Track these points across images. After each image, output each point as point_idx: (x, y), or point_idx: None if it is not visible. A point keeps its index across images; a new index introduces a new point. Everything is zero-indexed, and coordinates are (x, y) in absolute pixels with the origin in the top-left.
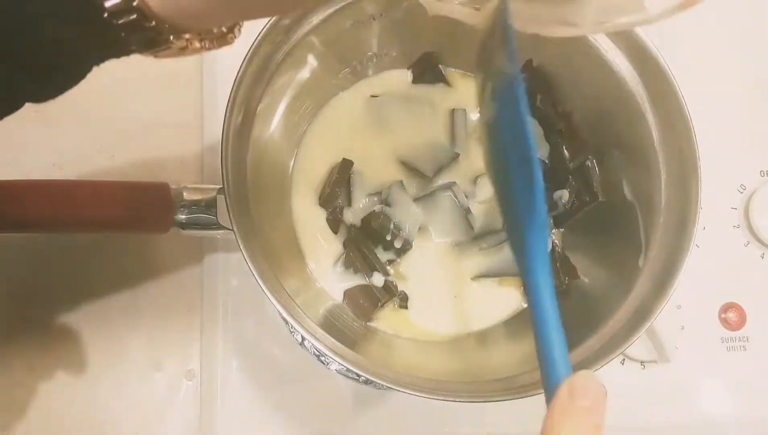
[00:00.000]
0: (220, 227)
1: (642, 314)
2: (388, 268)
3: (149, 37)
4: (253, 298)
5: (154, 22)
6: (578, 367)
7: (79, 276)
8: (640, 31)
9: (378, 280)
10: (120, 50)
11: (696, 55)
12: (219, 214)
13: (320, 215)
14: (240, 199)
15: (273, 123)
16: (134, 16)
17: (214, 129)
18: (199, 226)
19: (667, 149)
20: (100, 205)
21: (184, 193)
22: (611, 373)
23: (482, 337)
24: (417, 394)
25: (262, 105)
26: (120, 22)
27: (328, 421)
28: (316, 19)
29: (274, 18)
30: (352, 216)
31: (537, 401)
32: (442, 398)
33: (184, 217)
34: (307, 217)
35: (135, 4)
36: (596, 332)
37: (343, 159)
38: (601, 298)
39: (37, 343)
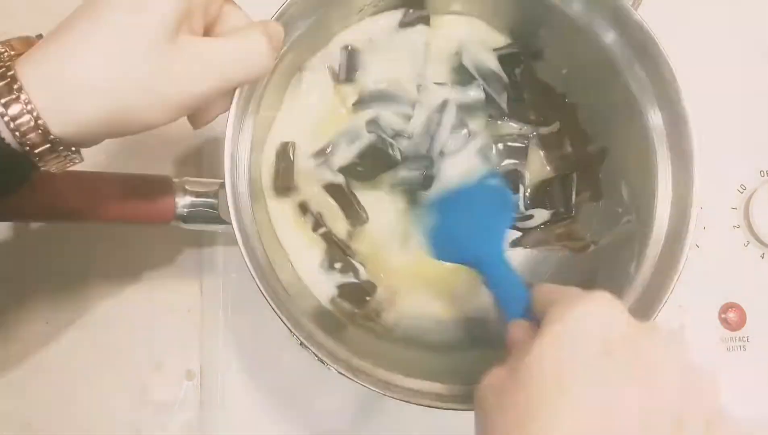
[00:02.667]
0: (222, 222)
1: (642, 314)
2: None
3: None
4: (253, 298)
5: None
6: None
7: (77, 275)
8: (644, 31)
9: (364, 273)
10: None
11: (697, 54)
12: (220, 209)
13: (288, 210)
14: (241, 194)
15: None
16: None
17: (217, 123)
18: (201, 221)
19: (666, 149)
20: (102, 196)
21: (186, 186)
22: None
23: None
24: (419, 403)
25: (264, 99)
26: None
27: (328, 422)
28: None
29: (279, 11)
30: (336, 162)
31: None
32: (444, 407)
33: (185, 210)
34: (279, 214)
35: (40, 130)
36: None
37: (281, 143)
38: None
39: (35, 342)
